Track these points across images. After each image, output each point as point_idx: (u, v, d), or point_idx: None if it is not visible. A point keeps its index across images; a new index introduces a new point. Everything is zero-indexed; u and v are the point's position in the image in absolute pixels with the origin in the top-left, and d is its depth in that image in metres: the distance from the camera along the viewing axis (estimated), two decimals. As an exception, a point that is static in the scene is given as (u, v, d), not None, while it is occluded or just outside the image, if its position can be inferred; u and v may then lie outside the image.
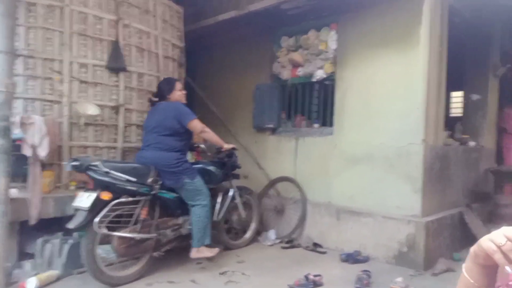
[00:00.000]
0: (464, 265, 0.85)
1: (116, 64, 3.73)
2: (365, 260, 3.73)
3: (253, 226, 4.30)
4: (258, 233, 4.40)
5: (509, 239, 0.72)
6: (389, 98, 3.80)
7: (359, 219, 3.95)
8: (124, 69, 3.78)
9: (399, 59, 3.73)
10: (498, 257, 0.71)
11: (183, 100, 3.57)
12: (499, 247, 0.71)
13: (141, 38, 3.98)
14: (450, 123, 4.76)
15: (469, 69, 5.08)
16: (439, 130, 3.92)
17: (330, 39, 4.19)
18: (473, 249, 0.81)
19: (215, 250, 3.44)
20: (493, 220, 4.56)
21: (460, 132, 4.70)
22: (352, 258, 3.73)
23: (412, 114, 3.65)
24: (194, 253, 3.35)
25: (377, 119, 3.89)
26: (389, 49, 3.80)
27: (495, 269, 0.80)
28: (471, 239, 4.09)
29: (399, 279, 3.17)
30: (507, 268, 0.71)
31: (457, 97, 5.43)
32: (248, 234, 4.25)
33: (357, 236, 3.92)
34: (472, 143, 4.68)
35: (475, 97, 5.06)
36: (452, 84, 4.32)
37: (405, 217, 3.66)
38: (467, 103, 5.18)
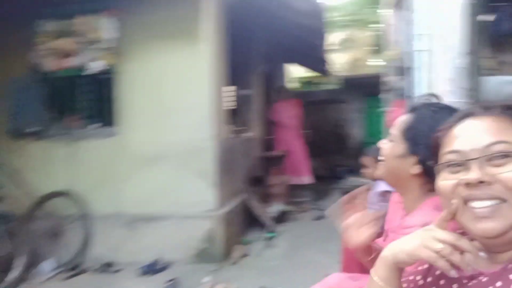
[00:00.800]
0: (373, 273, 0.78)
1: None
2: (167, 267, 3.51)
3: (20, 261, 3.34)
4: (31, 267, 3.46)
5: (444, 243, 0.68)
6: (179, 94, 3.66)
7: (156, 224, 3.68)
8: None
9: (187, 54, 3.63)
10: (442, 264, 0.67)
11: None
12: (438, 253, 0.68)
13: None
14: (228, 116, 5.08)
15: (241, 66, 5.54)
16: (224, 124, 4.08)
17: (108, 27, 3.65)
18: (392, 257, 0.75)
19: None
20: (267, 199, 5.19)
21: (237, 124, 5.09)
22: (152, 269, 3.44)
23: (202, 109, 3.64)
24: None
25: (168, 115, 3.68)
26: (177, 43, 3.64)
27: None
28: (255, 221, 4.53)
29: (206, 279, 3.12)
30: (452, 272, 0.67)
31: (230, 91, 5.89)
32: (15, 273, 3.27)
33: (156, 242, 3.64)
34: (247, 134, 5.16)
35: (244, 92, 5.59)
36: (229, 80, 4.58)
37: (203, 213, 3.64)
38: (239, 98, 5.67)
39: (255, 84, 5.71)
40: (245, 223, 4.39)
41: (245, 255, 3.75)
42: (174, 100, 3.68)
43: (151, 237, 3.67)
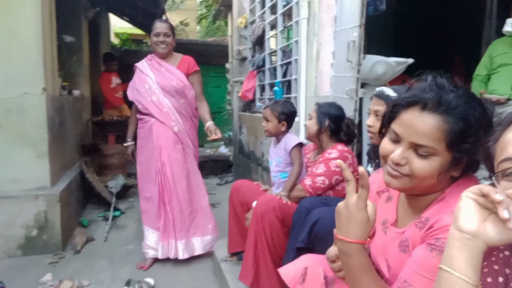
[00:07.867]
0: (445, 261, 0.67)
1: None
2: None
3: None
4: None
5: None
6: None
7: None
8: None
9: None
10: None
11: None
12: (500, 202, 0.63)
13: None
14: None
15: (62, 10, 4.36)
16: (55, 76, 3.14)
17: None
18: (470, 230, 0.65)
19: None
20: (103, 172, 4.42)
21: (62, 79, 4.05)
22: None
23: (25, 54, 2.66)
24: None
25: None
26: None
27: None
28: (93, 197, 3.81)
29: (47, 277, 2.38)
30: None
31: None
32: None
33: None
34: (76, 92, 4.17)
35: (68, 38, 4.47)
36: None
37: (29, 191, 2.75)
38: (60, 46, 4.50)
39: (83, 31, 4.66)
40: (84, 200, 3.62)
41: (89, 241, 3.06)
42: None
43: None
